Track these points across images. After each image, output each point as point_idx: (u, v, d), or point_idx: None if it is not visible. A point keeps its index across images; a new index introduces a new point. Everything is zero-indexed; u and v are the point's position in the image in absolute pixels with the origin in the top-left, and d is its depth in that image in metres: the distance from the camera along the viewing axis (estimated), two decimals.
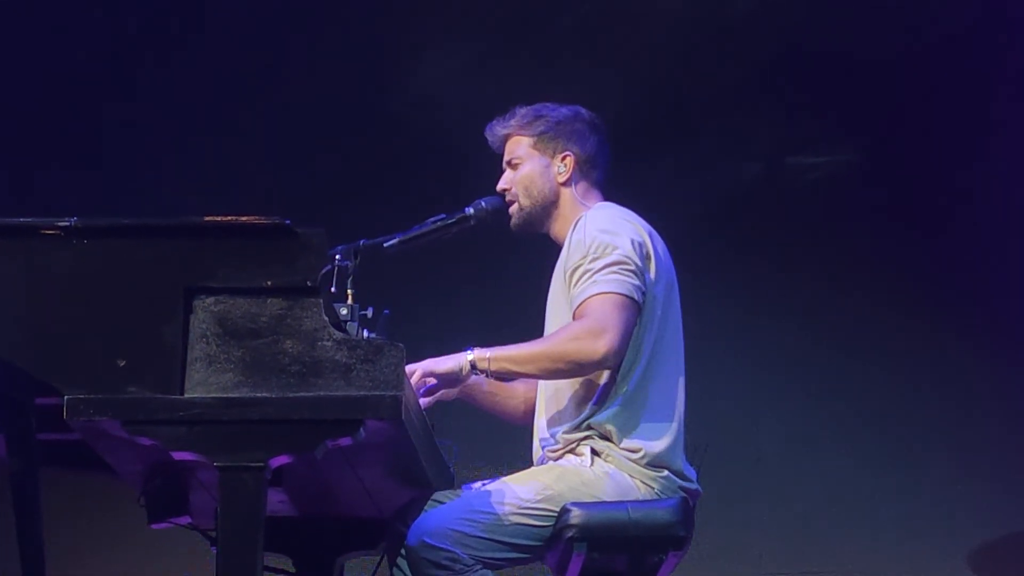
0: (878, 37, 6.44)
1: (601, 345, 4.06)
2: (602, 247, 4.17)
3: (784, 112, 6.54)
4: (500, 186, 4.43)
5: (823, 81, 6.47)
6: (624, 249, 4.17)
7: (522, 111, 4.45)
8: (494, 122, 4.47)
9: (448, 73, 6.52)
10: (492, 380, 4.30)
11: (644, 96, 6.43)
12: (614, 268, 4.14)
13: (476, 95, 6.14)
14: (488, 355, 4.12)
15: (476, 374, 4.14)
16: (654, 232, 4.33)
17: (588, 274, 4.15)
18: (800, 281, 6.40)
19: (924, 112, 6.43)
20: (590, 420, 4.18)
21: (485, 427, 4.70)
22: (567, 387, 4.23)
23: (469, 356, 4.12)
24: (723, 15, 6.55)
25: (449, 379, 4.16)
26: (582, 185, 4.41)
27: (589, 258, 4.17)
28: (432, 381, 4.14)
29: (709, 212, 6.43)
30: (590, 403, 4.18)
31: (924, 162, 6.43)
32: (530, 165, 4.41)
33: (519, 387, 4.50)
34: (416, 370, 4.10)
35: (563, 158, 4.40)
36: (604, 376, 4.17)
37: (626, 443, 4.15)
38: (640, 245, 4.21)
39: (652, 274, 4.22)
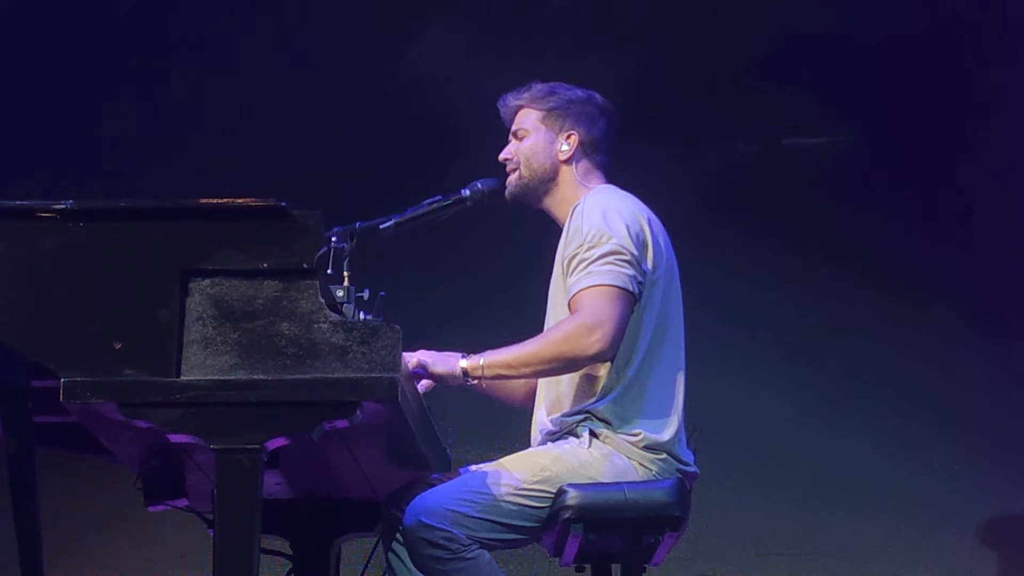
0: (877, 17, 6.43)
1: (594, 341, 4.05)
2: (598, 236, 4.15)
3: (781, 93, 6.53)
4: (502, 156, 4.42)
5: (821, 61, 6.46)
6: (620, 238, 4.15)
7: (538, 86, 4.45)
8: (509, 93, 4.47)
9: (444, 54, 6.51)
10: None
11: (640, 77, 6.41)
12: (609, 258, 4.12)
13: (472, 76, 6.13)
14: (481, 362, 4.08)
15: (469, 382, 4.12)
16: (653, 217, 4.31)
17: (583, 264, 4.13)
18: (797, 262, 6.40)
19: (922, 93, 6.42)
20: (590, 408, 4.17)
21: (482, 409, 4.70)
22: (567, 376, 4.21)
23: (462, 363, 4.09)
24: None
25: (439, 381, 4.15)
26: (584, 166, 4.41)
27: (585, 247, 4.15)
28: (424, 374, 4.13)
29: (706, 193, 6.42)
30: (590, 391, 4.17)
31: (921, 143, 6.42)
32: (535, 138, 4.41)
33: None
34: (411, 359, 4.09)
35: (568, 136, 4.40)
36: (604, 365, 4.16)
37: (626, 429, 4.14)
38: (637, 234, 4.19)
39: (649, 262, 4.20)
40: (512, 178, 4.40)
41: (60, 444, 3.92)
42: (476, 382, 4.12)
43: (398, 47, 6.58)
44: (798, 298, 6.39)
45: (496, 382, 4.33)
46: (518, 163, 4.40)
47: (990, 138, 6.37)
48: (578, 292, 4.11)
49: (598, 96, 4.46)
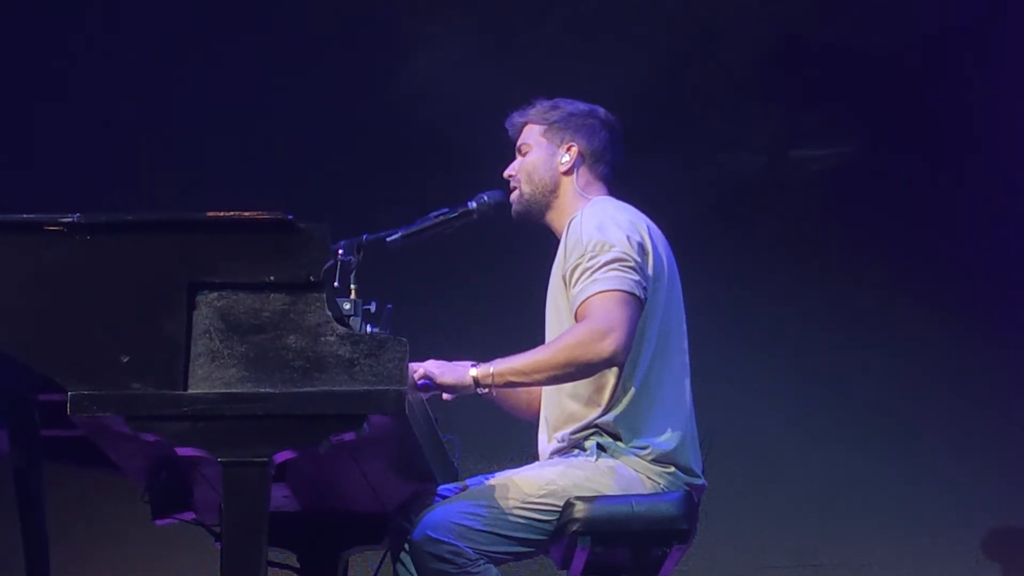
0: (882, 28, 6.44)
1: (608, 345, 4.03)
2: (599, 245, 4.15)
3: (787, 104, 6.54)
4: (507, 172, 4.44)
5: (826, 73, 6.47)
6: (621, 246, 4.15)
7: (542, 102, 4.48)
8: (514, 112, 4.49)
9: (450, 66, 6.52)
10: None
11: (645, 87, 6.42)
12: (613, 265, 4.12)
13: (478, 88, 6.14)
14: (492, 370, 4.04)
15: (480, 391, 4.09)
16: (653, 226, 4.31)
17: (588, 272, 4.12)
18: (802, 273, 6.40)
19: (929, 103, 6.43)
20: (597, 421, 4.16)
21: (488, 421, 4.70)
22: (571, 388, 4.19)
23: (472, 372, 4.05)
24: (725, 5, 6.55)
25: (449, 391, 4.11)
26: (584, 177, 4.41)
27: (588, 256, 4.14)
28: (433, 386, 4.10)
29: (711, 205, 6.42)
30: (596, 404, 4.16)
31: (928, 153, 6.42)
32: (536, 152, 4.42)
33: None
34: (418, 370, 4.07)
35: (568, 148, 4.41)
36: (609, 375, 4.15)
37: (634, 442, 4.14)
38: (638, 242, 4.19)
39: (651, 269, 4.20)
40: (515, 195, 4.41)
41: (67, 458, 3.92)
42: (487, 390, 4.10)
43: (405, 59, 6.59)
44: (803, 310, 6.39)
45: (503, 392, 4.33)
46: (520, 179, 4.41)
47: (996, 148, 6.37)
48: (585, 300, 4.10)
49: (601, 110, 4.48)
